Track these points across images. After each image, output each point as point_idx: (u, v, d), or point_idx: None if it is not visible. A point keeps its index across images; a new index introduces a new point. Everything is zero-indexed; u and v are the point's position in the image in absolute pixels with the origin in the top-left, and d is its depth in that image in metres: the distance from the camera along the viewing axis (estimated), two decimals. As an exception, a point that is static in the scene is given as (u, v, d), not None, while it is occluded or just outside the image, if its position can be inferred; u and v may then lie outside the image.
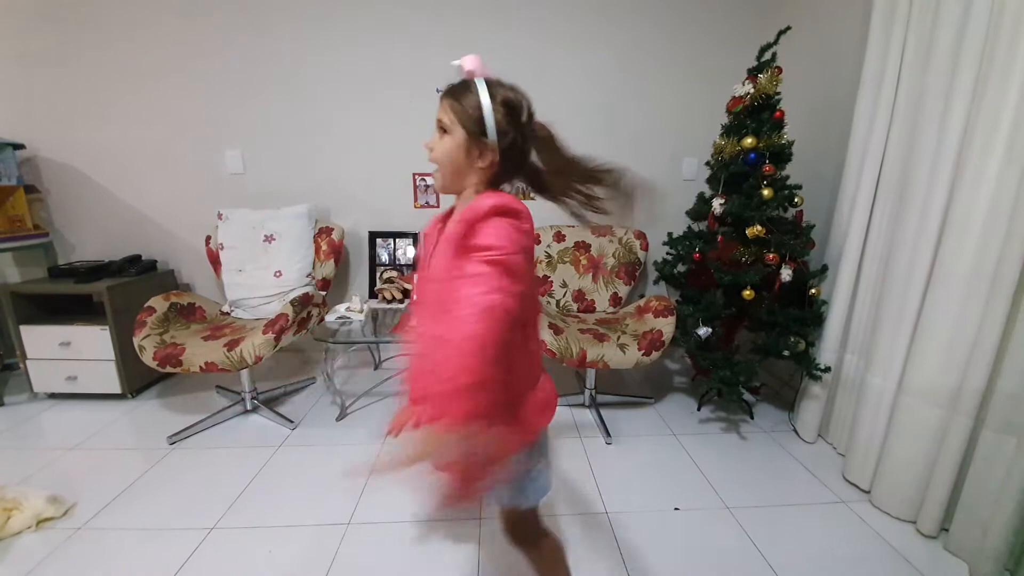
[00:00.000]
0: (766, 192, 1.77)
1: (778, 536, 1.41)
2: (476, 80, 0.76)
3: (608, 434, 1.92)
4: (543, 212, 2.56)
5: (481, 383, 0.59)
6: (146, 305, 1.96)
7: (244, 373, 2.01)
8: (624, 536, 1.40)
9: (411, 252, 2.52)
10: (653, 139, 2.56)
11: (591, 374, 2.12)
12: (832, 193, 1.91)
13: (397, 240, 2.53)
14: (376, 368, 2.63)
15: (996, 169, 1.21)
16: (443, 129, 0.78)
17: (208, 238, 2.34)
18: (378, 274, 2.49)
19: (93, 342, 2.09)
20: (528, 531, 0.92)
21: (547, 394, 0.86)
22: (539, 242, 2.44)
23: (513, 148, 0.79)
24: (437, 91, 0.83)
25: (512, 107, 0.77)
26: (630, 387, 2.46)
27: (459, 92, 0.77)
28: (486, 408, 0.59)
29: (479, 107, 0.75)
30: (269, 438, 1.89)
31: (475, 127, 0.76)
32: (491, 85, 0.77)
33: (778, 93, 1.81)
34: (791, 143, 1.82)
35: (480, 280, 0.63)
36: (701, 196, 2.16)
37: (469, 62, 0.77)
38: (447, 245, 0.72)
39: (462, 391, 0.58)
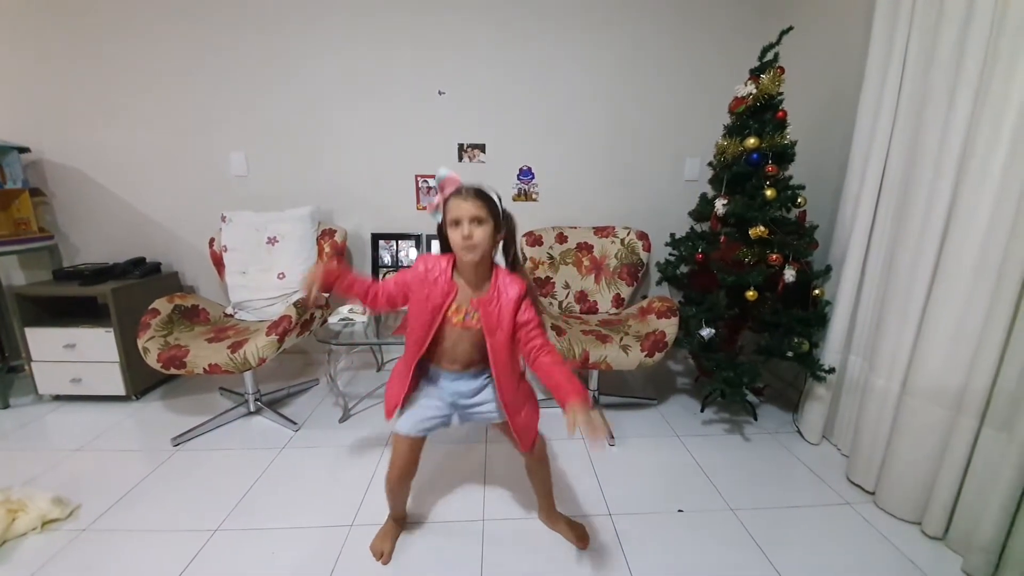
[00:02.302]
0: (769, 193, 1.77)
1: (782, 538, 1.40)
2: (489, 190, 1.12)
3: (611, 435, 1.92)
4: (544, 213, 2.57)
5: None
6: (150, 307, 1.97)
7: (248, 375, 2.01)
8: (627, 538, 1.39)
9: (413, 254, 2.53)
10: (655, 140, 2.56)
11: (594, 375, 2.12)
12: (835, 193, 1.90)
13: (400, 242, 2.53)
14: (379, 370, 2.63)
15: (1000, 167, 1.21)
16: (479, 220, 1.09)
17: (212, 240, 2.35)
18: (380, 276, 2.50)
19: (98, 344, 2.10)
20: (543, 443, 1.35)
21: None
22: (541, 243, 2.44)
23: (507, 232, 1.17)
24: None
25: (500, 201, 1.15)
26: (633, 388, 2.45)
27: (484, 197, 1.10)
28: None
29: (498, 208, 1.13)
30: (272, 440, 1.90)
31: (496, 220, 1.12)
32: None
33: (780, 93, 1.81)
34: (794, 143, 1.82)
35: (544, 336, 1.16)
36: (703, 197, 2.16)
37: (453, 178, 1.12)
38: (506, 314, 1.14)
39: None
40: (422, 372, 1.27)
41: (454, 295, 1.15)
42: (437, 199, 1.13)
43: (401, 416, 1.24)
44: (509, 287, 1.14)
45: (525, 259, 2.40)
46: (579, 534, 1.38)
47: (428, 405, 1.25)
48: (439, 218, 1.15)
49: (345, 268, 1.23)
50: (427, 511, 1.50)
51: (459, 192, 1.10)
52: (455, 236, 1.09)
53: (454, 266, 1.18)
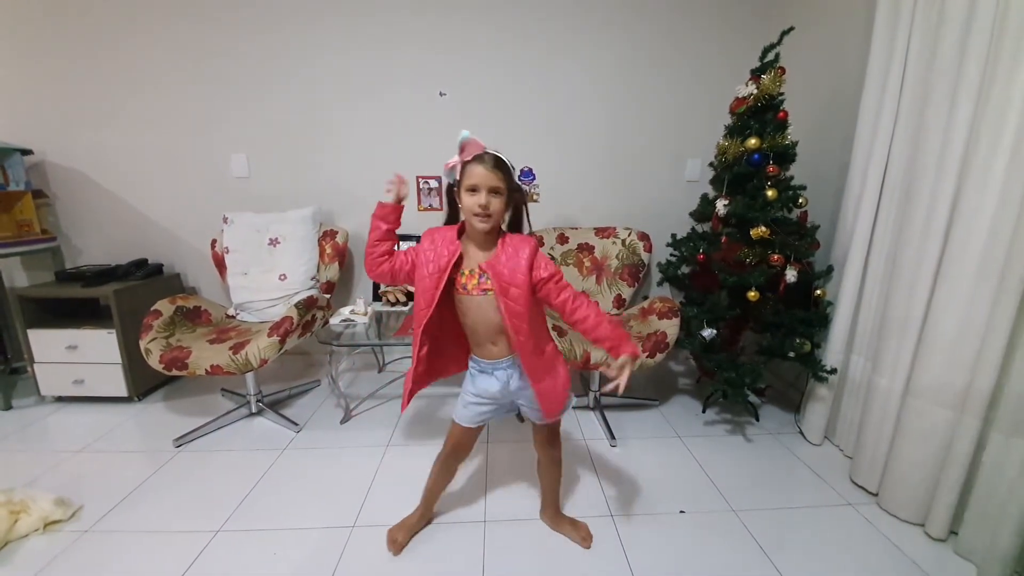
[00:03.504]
0: (770, 193, 1.76)
1: (784, 539, 1.40)
2: (506, 159, 1.09)
3: (612, 436, 1.91)
4: (545, 213, 2.57)
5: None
6: (152, 308, 1.97)
7: (249, 376, 2.01)
8: (629, 539, 1.39)
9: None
10: (656, 140, 2.56)
11: (595, 376, 2.11)
12: (837, 193, 1.90)
13: (401, 243, 2.52)
14: (380, 371, 2.63)
15: (1003, 167, 1.20)
16: (496, 192, 1.07)
17: (213, 242, 2.36)
18: (382, 277, 2.49)
19: (100, 345, 2.10)
20: (559, 440, 1.39)
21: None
22: (542, 244, 2.44)
23: (518, 202, 1.17)
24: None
25: (514, 172, 1.13)
26: (634, 389, 2.45)
27: (502, 166, 1.08)
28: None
29: (512, 176, 1.11)
30: (274, 441, 1.90)
31: (510, 190, 1.11)
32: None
33: (782, 93, 1.81)
34: (795, 143, 1.81)
35: (571, 289, 1.14)
36: (705, 197, 2.16)
37: (477, 142, 1.07)
38: (519, 272, 1.10)
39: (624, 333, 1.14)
40: (472, 366, 1.26)
41: (458, 254, 1.11)
42: (455, 160, 1.09)
43: (459, 407, 1.27)
44: (519, 245, 1.12)
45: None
46: (582, 534, 1.38)
47: (485, 399, 1.24)
48: (454, 178, 1.12)
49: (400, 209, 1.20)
50: (435, 512, 1.50)
51: (481, 159, 1.07)
52: (470, 202, 1.07)
53: (460, 234, 1.15)
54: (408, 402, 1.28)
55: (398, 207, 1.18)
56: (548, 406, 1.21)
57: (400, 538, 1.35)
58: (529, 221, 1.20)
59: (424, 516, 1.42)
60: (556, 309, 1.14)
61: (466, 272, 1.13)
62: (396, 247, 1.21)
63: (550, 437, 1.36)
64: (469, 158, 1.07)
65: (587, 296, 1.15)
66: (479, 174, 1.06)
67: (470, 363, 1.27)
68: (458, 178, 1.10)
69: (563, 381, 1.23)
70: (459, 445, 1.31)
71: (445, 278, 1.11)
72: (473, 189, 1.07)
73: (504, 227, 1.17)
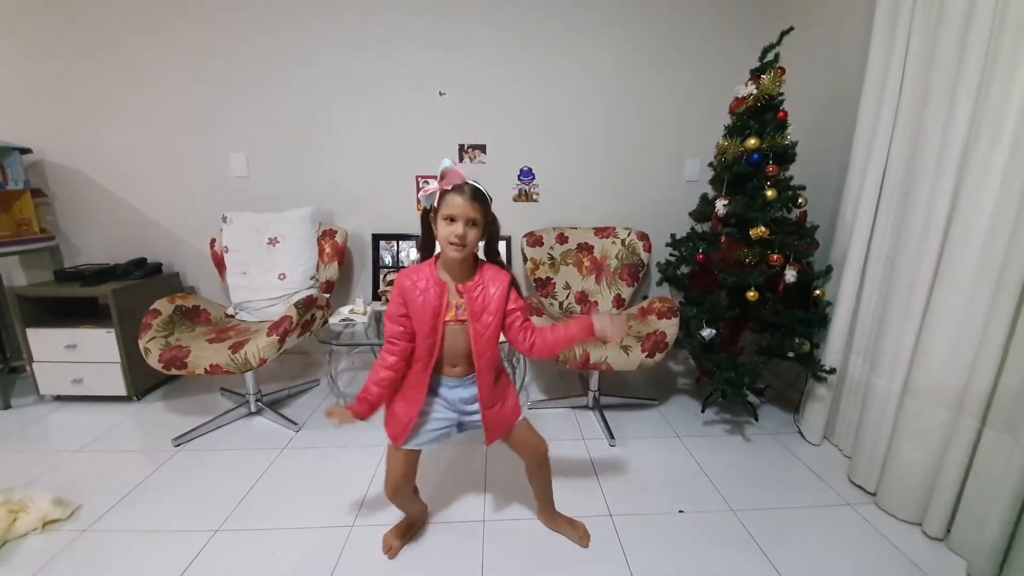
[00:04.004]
0: (770, 193, 1.76)
1: (783, 539, 1.40)
2: (484, 190, 1.11)
3: (612, 436, 1.92)
4: (545, 213, 2.57)
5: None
6: (151, 308, 1.97)
7: (248, 375, 2.01)
8: (628, 539, 1.39)
9: (414, 254, 2.53)
10: (656, 140, 2.56)
11: (595, 376, 2.12)
12: (836, 193, 1.90)
13: (400, 242, 2.54)
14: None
15: (1001, 167, 1.20)
16: (473, 223, 1.09)
17: (213, 241, 2.35)
18: (381, 276, 2.50)
19: (99, 345, 2.10)
20: (534, 434, 1.35)
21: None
22: (542, 244, 2.44)
23: (492, 227, 1.18)
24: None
25: (491, 202, 1.14)
26: (634, 389, 2.45)
27: (481, 198, 1.09)
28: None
29: (489, 208, 1.13)
30: (273, 440, 1.90)
31: (486, 221, 1.13)
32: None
33: (781, 94, 1.81)
34: (795, 144, 1.81)
35: (531, 322, 1.21)
36: (704, 197, 2.16)
37: (457, 172, 1.09)
38: (492, 301, 1.16)
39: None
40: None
41: (447, 293, 1.14)
42: (433, 187, 1.10)
43: (404, 441, 1.22)
44: (496, 276, 1.17)
45: (526, 259, 2.41)
46: (580, 533, 1.38)
47: (433, 418, 1.23)
48: (431, 204, 1.12)
49: (362, 407, 1.18)
50: (430, 512, 1.49)
51: (461, 189, 1.08)
52: (446, 231, 1.08)
53: (435, 264, 1.17)
54: (403, 437, 1.22)
55: (364, 410, 1.19)
56: (491, 432, 1.25)
57: (395, 544, 1.35)
58: (499, 251, 1.23)
59: (411, 529, 1.41)
60: (514, 338, 1.20)
61: (449, 305, 1.16)
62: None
63: (528, 439, 1.32)
64: (449, 187, 1.08)
65: (540, 329, 1.21)
66: (458, 205, 1.07)
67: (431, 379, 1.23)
68: (436, 205, 1.11)
69: (510, 409, 1.27)
70: (406, 474, 1.26)
71: (443, 320, 1.14)
72: (451, 218, 1.08)
73: (480, 254, 1.21)
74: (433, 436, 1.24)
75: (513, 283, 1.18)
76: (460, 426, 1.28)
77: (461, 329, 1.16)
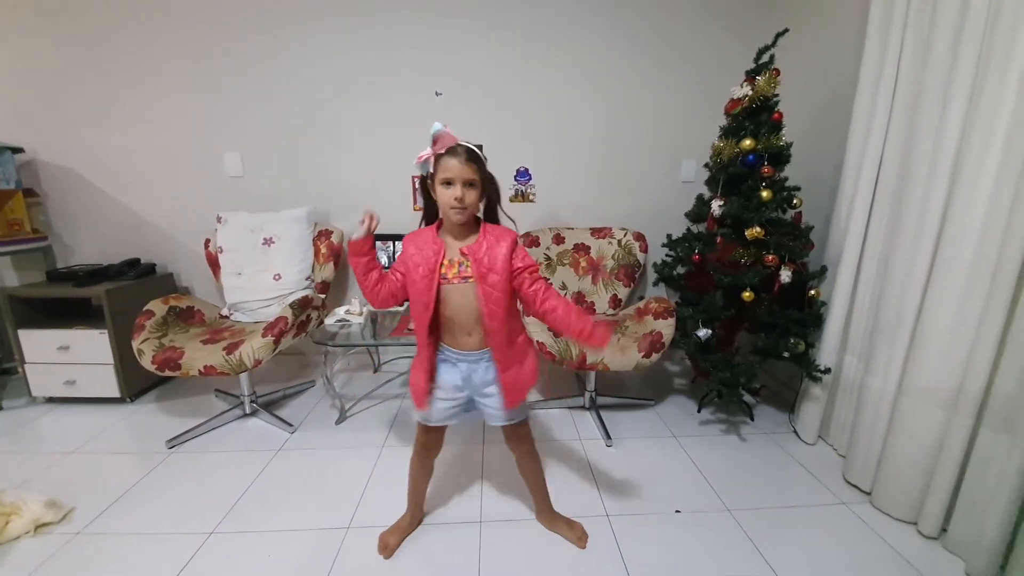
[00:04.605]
0: (765, 194, 1.77)
1: (779, 538, 1.40)
2: (478, 153, 1.10)
3: (608, 436, 1.92)
4: (541, 214, 2.57)
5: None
6: (145, 309, 1.96)
7: (243, 376, 2.00)
8: (625, 539, 1.39)
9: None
10: (652, 141, 2.57)
11: (591, 376, 2.12)
12: (831, 194, 1.91)
13: (396, 243, 2.53)
14: (375, 371, 2.62)
15: (994, 168, 1.21)
16: (471, 184, 1.09)
17: (207, 241, 2.34)
18: (377, 277, 2.49)
19: (92, 346, 2.08)
20: (530, 435, 1.37)
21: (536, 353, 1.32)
22: (538, 244, 2.44)
23: (492, 192, 1.18)
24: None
25: (486, 161, 1.14)
26: (630, 389, 2.46)
27: (476, 159, 1.09)
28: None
29: (485, 167, 1.12)
30: (268, 442, 1.89)
31: (484, 183, 1.12)
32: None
33: (776, 95, 1.81)
34: (790, 144, 1.82)
35: (543, 282, 1.17)
36: (700, 198, 2.17)
37: (449, 135, 1.09)
38: (498, 258, 1.12)
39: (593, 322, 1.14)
40: (437, 354, 1.25)
41: (444, 251, 1.14)
42: (427, 152, 1.10)
43: (427, 406, 1.24)
44: (500, 236, 1.14)
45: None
46: (578, 533, 1.38)
47: (449, 393, 1.24)
48: (427, 171, 1.12)
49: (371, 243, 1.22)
50: (425, 512, 1.49)
51: (455, 151, 1.08)
52: (446, 195, 1.08)
53: (438, 229, 1.17)
54: (423, 400, 1.23)
55: (368, 239, 1.19)
56: (511, 394, 1.21)
57: (392, 542, 1.34)
58: (502, 209, 1.21)
59: (415, 518, 1.42)
60: (525, 299, 1.17)
61: (446, 262, 1.14)
62: (384, 268, 1.22)
63: (518, 433, 1.34)
64: (443, 151, 1.08)
65: (555, 291, 1.17)
66: (453, 167, 1.07)
67: (438, 352, 1.24)
68: (431, 171, 1.11)
69: (529, 372, 1.23)
70: (428, 445, 1.33)
71: (437, 277, 1.13)
72: (448, 182, 1.08)
73: (480, 215, 1.19)
74: (447, 412, 1.25)
75: (516, 241, 1.16)
76: (472, 403, 1.27)
77: (468, 288, 1.13)
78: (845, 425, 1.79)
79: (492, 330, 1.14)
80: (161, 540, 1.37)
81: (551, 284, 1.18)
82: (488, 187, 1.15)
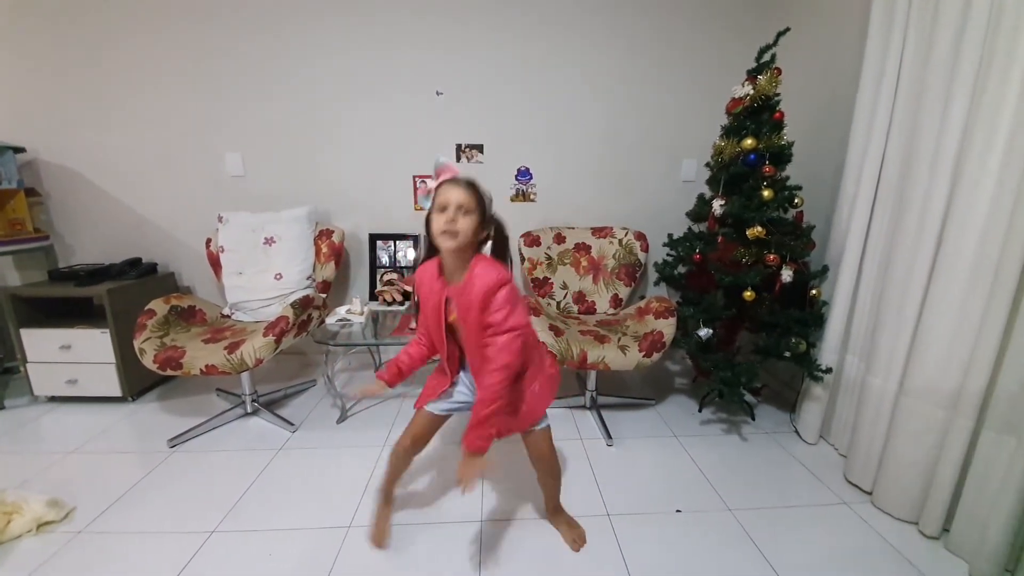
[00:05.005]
0: (766, 193, 1.77)
1: (780, 538, 1.40)
2: (477, 184, 1.11)
3: (609, 436, 1.92)
4: (542, 213, 2.57)
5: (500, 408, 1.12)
6: (146, 308, 1.96)
7: (244, 376, 2.00)
8: (626, 538, 1.39)
9: (411, 254, 2.53)
10: (653, 141, 2.56)
11: (592, 376, 2.12)
12: (832, 194, 1.91)
13: (397, 242, 2.53)
14: (377, 370, 2.62)
15: (996, 168, 1.21)
16: (465, 210, 1.07)
17: (208, 241, 2.34)
18: (378, 276, 2.49)
19: (93, 345, 2.08)
20: (553, 447, 1.36)
21: (556, 371, 1.32)
22: (539, 244, 2.44)
23: (493, 228, 1.15)
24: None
25: (491, 204, 1.14)
26: (631, 389, 2.46)
27: (472, 187, 1.09)
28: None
29: (486, 201, 1.12)
30: (270, 441, 1.89)
31: (483, 213, 1.11)
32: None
33: (778, 94, 1.81)
34: (791, 144, 1.82)
35: (505, 353, 1.08)
36: (701, 197, 2.16)
37: (451, 167, 1.11)
38: (473, 302, 1.08)
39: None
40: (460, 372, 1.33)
41: (443, 289, 1.16)
42: (430, 184, 1.13)
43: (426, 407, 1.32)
44: (481, 276, 1.08)
45: (523, 259, 2.41)
46: (575, 536, 1.38)
47: (456, 393, 1.32)
48: (428, 204, 1.12)
49: (390, 372, 1.29)
50: (426, 511, 1.50)
51: (454, 181, 1.10)
52: (438, 221, 1.07)
53: (440, 264, 1.18)
54: (425, 402, 1.32)
55: (382, 388, 1.30)
56: (503, 427, 1.19)
57: (383, 531, 1.37)
58: (510, 255, 1.20)
59: (387, 503, 1.43)
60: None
61: (445, 301, 1.19)
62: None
63: (541, 450, 1.33)
64: (441, 181, 1.10)
65: (506, 370, 1.07)
66: (448, 192, 1.07)
67: (461, 370, 1.33)
68: (431, 203, 1.12)
69: (522, 415, 1.22)
70: (420, 434, 1.33)
71: (442, 312, 1.17)
72: (443, 208, 1.07)
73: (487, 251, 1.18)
74: (448, 406, 1.32)
75: (502, 284, 1.08)
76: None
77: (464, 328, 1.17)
78: (846, 425, 1.78)
79: (472, 367, 1.19)
80: (162, 539, 1.38)
81: (505, 365, 1.07)
82: (489, 225, 1.13)
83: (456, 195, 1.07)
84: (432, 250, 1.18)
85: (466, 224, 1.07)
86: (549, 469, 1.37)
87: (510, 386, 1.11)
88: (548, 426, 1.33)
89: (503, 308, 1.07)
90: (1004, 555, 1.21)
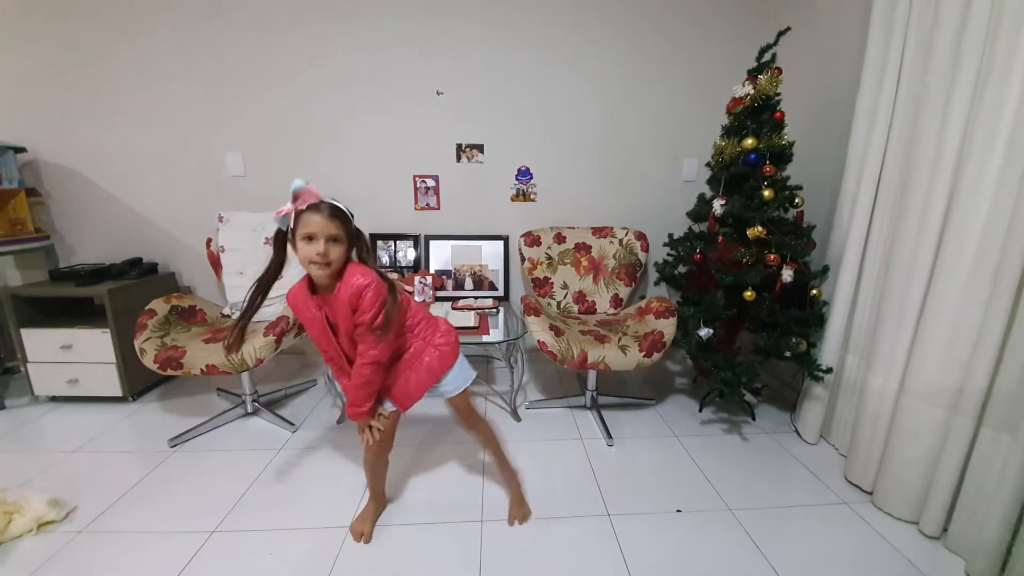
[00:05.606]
0: (767, 193, 1.77)
1: (780, 538, 1.40)
2: (344, 207, 1.13)
3: (609, 435, 1.92)
4: (542, 213, 2.57)
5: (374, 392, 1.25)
6: (147, 308, 1.96)
7: (245, 376, 2.01)
8: (626, 538, 1.39)
9: (411, 254, 2.53)
10: (653, 141, 2.56)
11: (592, 375, 2.12)
12: (833, 194, 1.91)
13: (398, 242, 2.53)
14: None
15: (997, 169, 1.21)
16: (335, 240, 1.09)
17: (209, 240, 2.34)
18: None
19: (94, 345, 2.09)
20: (472, 409, 1.43)
21: (446, 341, 1.34)
22: (539, 244, 2.44)
23: (358, 241, 1.18)
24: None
25: (353, 219, 1.17)
26: (631, 388, 2.46)
27: (338, 214, 1.11)
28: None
29: (351, 223, 1.14)
30: (270, 441, 1.89)
31: (350, 235, 1.14)
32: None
33: (778, 94, 1.81)
34: (791, 144, 1.82)
35: (373, 352, 1.18)
36: (702, 197, 2.16)
37: (312, 191, 1.10)
38: (339, 310, 1.14)
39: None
40: None
41: (323, 308, 1.18)
42: (288, 207, 1.09)
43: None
44: (347, 281, 1.13)
45: (524, 259, 2.41)
46: (516, 513, 1.44)
47: None
48: (287, 226, 1.12)
49: (363, 410, 1.26)
50: (426, 511, 1.50)
51: (317, 207, 1.08)
52: (307, 251, 1.08)
53: (309, 281, 1.19)
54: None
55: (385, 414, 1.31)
56: (402, 401, 1.30)
57: (366, 529, 1.38)
58: (373, 257, 1.26)
59: (379, 503, 1.47)
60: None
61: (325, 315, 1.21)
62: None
63: (461, 412, 1.41)
64: (304, 207, 1.08)
65: (376, 364, 1.18)
66: (316, 223, 1.07)
67: None
68: (292, 226, 1.11)
69: (417, 380, 1.29)
70: (386, 436, 1.35)
71: (330, 330, 1.20)
72: (310, 238, 1.08)
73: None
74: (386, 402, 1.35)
75: (366, 289, 1.12)
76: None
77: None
78: (846, 425, 1.78)
79: (352, 358, 1.22)
80: (163, 538, 1.38)
81: (373, 360, 1.18)
82: (355, 241, 1.16)
83: (323, 227, 1.07)
84: (278, 261, 1.20)
85: (337, 253, 1.10)
86: (474, 428, 1.44)
87: (379, 373, 1.21)
88: (466, 390, 1.36)
89: (370, 309, 1.12)
90: (1000, 552, 1.21)
